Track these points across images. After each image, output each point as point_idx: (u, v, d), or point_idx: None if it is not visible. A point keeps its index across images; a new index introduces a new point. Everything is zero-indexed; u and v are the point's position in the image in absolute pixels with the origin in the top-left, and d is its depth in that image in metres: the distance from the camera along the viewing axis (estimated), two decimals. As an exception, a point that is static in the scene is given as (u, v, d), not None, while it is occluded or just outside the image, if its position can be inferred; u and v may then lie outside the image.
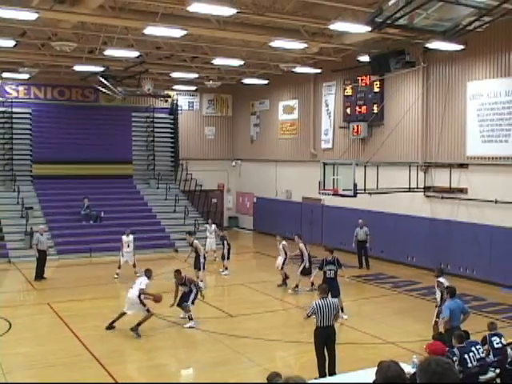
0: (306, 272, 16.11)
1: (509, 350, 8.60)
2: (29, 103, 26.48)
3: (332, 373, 9.17)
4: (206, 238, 21.16)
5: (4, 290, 17.38)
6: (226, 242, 18.96)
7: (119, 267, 18.11)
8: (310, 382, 7.02)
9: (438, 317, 11.12)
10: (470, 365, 7.94)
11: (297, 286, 16.18)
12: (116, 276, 18.00)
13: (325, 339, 9.33)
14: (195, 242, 16.96)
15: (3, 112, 25.65)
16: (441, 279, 11.74)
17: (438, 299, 11.52)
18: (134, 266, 18.21)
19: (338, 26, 15.18)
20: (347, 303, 14.25)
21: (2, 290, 17.35)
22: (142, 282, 12.42)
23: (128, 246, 18.29)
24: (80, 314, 14.01)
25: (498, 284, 16.73)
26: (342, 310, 12.97)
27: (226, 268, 18.94)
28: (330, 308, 9.28)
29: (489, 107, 16.98)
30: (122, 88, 25.19)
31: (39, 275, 17.64)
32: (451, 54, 17.60)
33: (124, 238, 18.39)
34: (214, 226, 21.63)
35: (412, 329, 12.85)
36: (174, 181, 28.47)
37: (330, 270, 13.54)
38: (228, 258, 18.96)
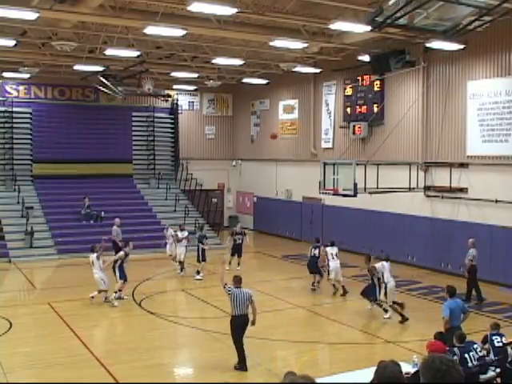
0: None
1: (509, 349, 8.60)
2: (29, 103, 26.47)
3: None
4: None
5: (4, 290, 17.39)
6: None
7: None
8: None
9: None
10: (470, 364, 7.94)
11: (198, 272, 18.02)
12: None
13: (239, 327, 10.10)
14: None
15: (3, 111, 25.65)
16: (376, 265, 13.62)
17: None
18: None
19: (338, 25, 15.18)
20: (348, 302, 14.26)
21: (2, 290, 17.36)
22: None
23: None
24: (80, 313, 14.01)
25: (498, 283, 16.73)
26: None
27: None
28: (244, 297, 10.00)
29: (489, 107, 16.98)
30: (122, 88, 25.19)
31: None
32: (451, 53, 17.60)
33: None
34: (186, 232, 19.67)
35: (412, 328, 12.86)
36: (174, 180, 28.48)
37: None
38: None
